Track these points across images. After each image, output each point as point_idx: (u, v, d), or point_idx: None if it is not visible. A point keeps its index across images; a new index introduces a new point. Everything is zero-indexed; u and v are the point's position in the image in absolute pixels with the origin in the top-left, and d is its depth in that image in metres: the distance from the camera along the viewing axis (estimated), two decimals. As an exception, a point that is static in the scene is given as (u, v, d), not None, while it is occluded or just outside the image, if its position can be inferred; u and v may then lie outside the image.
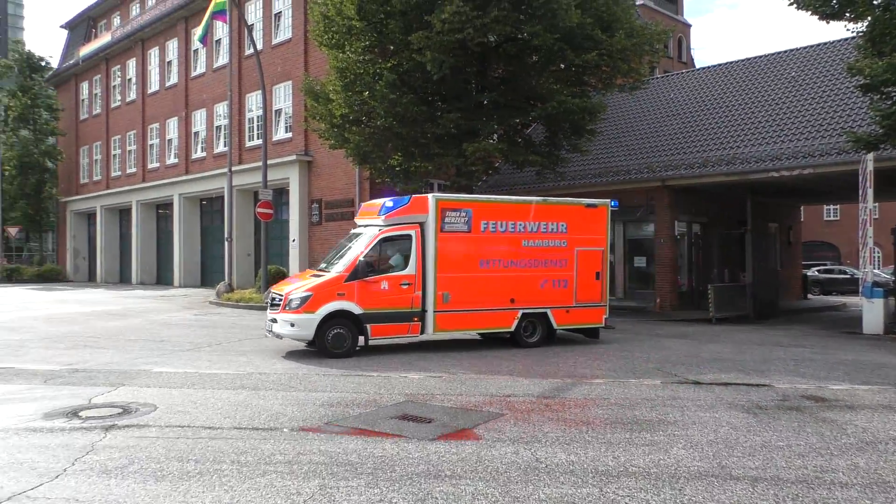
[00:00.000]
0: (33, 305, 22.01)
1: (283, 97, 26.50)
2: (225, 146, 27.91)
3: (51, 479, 5.34)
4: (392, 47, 17.62)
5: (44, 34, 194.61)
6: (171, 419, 7.14)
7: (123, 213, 37.64)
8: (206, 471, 5.48)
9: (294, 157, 25.09)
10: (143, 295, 26.08)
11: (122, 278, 37.37)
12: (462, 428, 6.82)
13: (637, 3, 36.83)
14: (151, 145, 34.70)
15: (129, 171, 36.32)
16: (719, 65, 25.17)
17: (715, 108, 22.44)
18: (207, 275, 31.45)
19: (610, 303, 14.08)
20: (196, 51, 31.22)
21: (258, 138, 26.82)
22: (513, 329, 12.58)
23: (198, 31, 21.41)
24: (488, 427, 6.84)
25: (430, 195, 12.29)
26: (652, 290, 21.03)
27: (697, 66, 39.25)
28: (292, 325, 11.34)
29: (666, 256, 20.85)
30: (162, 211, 35.20)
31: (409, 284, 11.84)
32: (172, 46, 33.06)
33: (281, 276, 21.21)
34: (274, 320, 11.65)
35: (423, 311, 11.92)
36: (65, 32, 45.00)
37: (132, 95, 36.11)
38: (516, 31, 16.68)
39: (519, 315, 12.56)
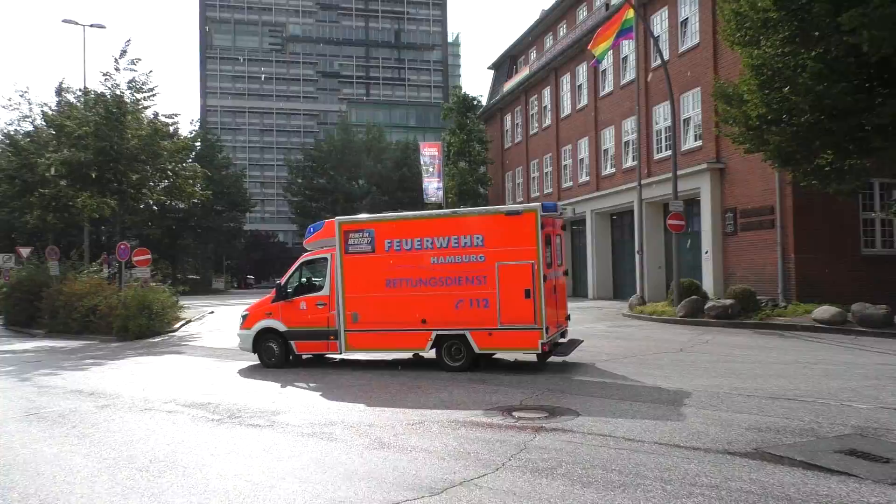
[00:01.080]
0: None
1: (692, 105, 25.71)
2: (633, 161, 28.23)
3: (492, 471, 5.93)
4: (817, 33, 15.69)
5: (475, 77, 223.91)
6: (593, 427, 7.35)
7: (542, 231, 40.76)
8: (630, 483, 5.46)
9: (705, 166, 24.10)
10: (560, 306, 27.74)
11: (542, 290, 40.44)
12: (933, 474, 5.58)
13: None
14: (565, 166, 36.95)
15: (545, 191, 39.22)
16: None
17: None
18: (619, 287, 32.11)
19: None
20: (604, 71, 32.32)
21: (666, 150, 26.49)
22: (426, 350, 11.89)
23: (598, 49, 21.92)
24: (972, 478, 5.47)
25: (336, 219, 12.61)
26: None
27: None
28: (239, 339, 13.60)
29: None
30: (576, 227, 37.16)
31: (324, 305, 12.56)
32: (581, 70, 34.79)
33: (694, 288, 20.50)
34: None
35: (338, 329, 12.33)
36: (491, 73, 51.04)
37: (547, 121, 39.00)
38: None
39: (433, 336, 11.64)
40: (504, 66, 47.94)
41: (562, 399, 8.95)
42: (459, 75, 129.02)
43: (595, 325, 19.17)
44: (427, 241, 11.78)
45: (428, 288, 11.73)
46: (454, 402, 9.11)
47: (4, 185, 28.10)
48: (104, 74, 24.97)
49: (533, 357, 11.91)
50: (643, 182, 24.65)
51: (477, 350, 11.52)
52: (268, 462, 6.52)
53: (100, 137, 23.53)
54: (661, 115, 27.47)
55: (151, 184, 26.93)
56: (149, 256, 22.99)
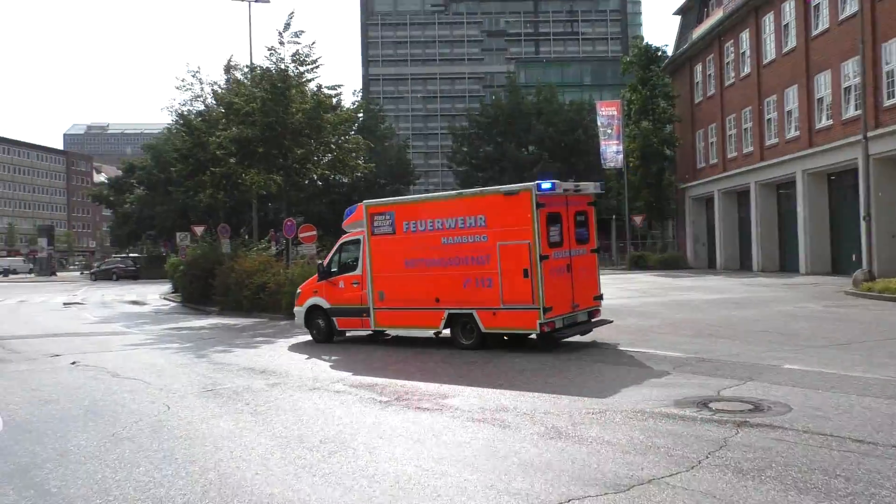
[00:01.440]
0: (656, 292, 24.30)
1: (934, 37, 22.89)
2: (856, 110, 25.67)
3: (686, 469, 5.65)
4: None
5: (658, 24, 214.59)
6: (809, 424, 6.79)
7: (741, 196, 38.35)
8: (861, 493, 4.98)
9: (953, 111, 21.44)
10: (764, 283, 26.10)
11: (742, 265, 38.13)
12: None
13: None
14: (769, 120, 34.39)
15: (745, 150, 36.79)
16: None
17: None
18: (839, 261, 29.51)
19: None
20: (816, 6, 29.59)
21: (900, 94, 23.85)
22: (440, 328, 12.96)
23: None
24: None
25: (363, 202, 14.03)
26: None
27: None
28: (295, 315, 15.59)
29: None
30: (782, 191, 34.59)
31: (358, 283, 14.02)
32: (788, 7, 32.07)
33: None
34: None
35: (368, 307, 13.70)
36: (677, 19, 48.50)
37: (746, 70, 36.44)
38: None
39: (445, 315, 12.68)
40: (693, 10, 45.32)
41: (769, 391, 8.35)
42: (640, 24, 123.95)
43: (807, 305, 17.79)
44: (438, 222, 12.85)
45: (440, 268, 12.80)
46: (640, 390, 8.83)
47: (179, 164, 31.11)
48: (269, 49, 26.70)
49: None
50: (870, 135, 22.33)
51: (483, 329, 12.38)
52: (437, 448, 6.68)
53: (265, 113, 25.25)
54: (893, 53, 24.69)
55: (315, 158, 28.54)
56: (314, 233, 24.41)
